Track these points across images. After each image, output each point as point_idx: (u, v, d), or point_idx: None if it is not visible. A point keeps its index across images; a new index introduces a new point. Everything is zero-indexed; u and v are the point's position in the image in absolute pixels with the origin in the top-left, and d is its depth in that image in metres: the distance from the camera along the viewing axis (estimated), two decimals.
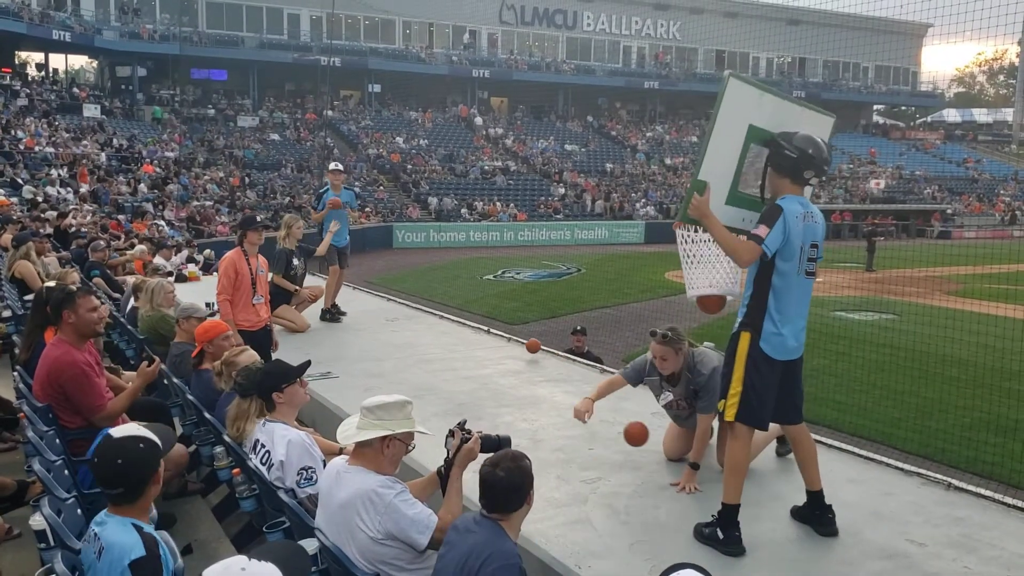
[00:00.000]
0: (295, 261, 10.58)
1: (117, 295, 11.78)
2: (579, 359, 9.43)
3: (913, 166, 59.77)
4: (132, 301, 9.25)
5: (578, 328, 12.11)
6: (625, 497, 5.19)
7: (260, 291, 8.48)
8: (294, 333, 10.31)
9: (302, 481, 4.40)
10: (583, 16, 59.45)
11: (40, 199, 22.60)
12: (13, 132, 31.81)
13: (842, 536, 4.62)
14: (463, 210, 43.43)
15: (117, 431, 3.32)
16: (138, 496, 3.21)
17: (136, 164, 34.54)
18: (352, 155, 46.18)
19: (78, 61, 53.29)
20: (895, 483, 5.44)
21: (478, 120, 54.65)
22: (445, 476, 3.99)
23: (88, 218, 20.57)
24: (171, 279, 12.05)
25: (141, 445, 3.21)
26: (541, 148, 52.63)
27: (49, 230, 16.67)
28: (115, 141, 36.81)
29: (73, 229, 17.71)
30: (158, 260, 14.76)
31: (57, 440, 4.83)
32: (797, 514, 4.81)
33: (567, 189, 47.92)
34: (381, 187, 44.14)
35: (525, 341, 9.69)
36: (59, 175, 28.45)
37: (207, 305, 8.25)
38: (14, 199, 22.26)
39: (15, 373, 6.33)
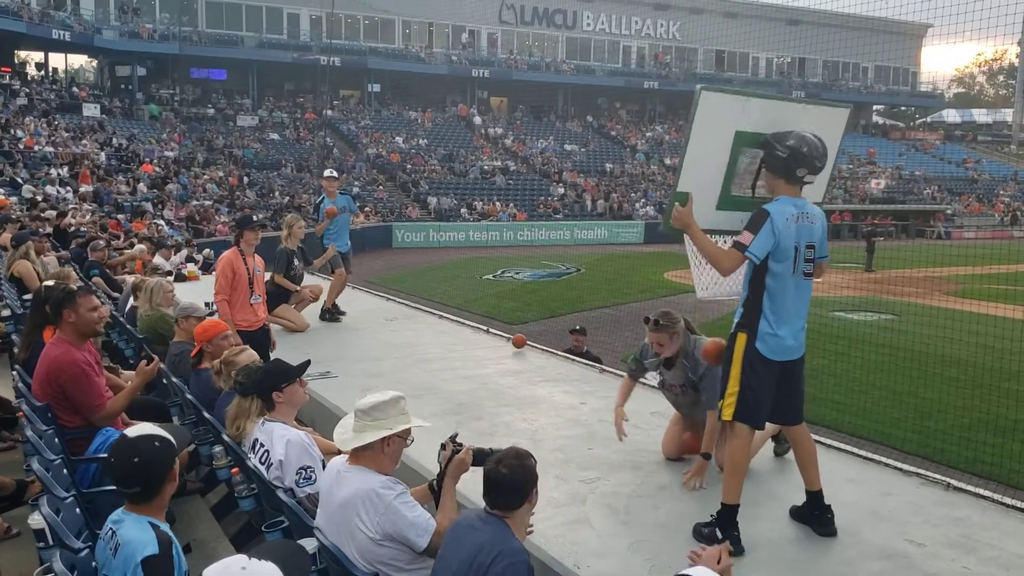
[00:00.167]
0: (295, 262, 10.59)
1: (116, 294, 11.77)
2: (578, 359, 9.43)
3: (913, 166, 59.76)
4: (131, 300, 9.24)
5: (576, 327, 12.10)
6: (624, 497, 5.19)
7: (257, 290, 8.48)
8: (293, 333, 10.31)
9: (301, 480, 4.40)
10: (583, 16, 59.43)
11: (40, 198, 22.58)
12: (13, 131, 31.78)
13: (841, 536, 4.62)
14: (463, 210, 43.43)
15: (132, 430, 3.36)
16: (155, 494, 3.24)
17: (135, 164, 34.53)
18: (352, 155, 46.18)
19: (78, 60, 53.23)
20: (894, 483, 5.44)
21: (477, 119, 54.64)
22: (438, 490, 3.99)
23: (87, 217, 20.56)
24: (170, 278, 12.05)
25: (157, 444, 3.24)
26: (541, 148, 52.62)
27: (48, 229, 16.66)
28: (115, 141, 36.80)
29: (72, 228, 17.70)
30: (157, 259, 14.77)
31: (56, 439, 4.82)
32: (796, 514, 4.81)
33: (567, 189, 47.92)
34: (380, 187, 44.13)
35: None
36: (58, 174, 28.44)
37: (206, 305, 8.25)
38: (13, 198, 22.26)
39: (14, 372, 6.33)
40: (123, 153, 35.47)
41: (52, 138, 33.37)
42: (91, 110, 40.63)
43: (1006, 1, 24.98)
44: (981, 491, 5.32)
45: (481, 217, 43.17)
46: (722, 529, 4.45)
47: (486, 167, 48.48)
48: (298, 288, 10.71)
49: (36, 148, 31.12)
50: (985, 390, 12.15)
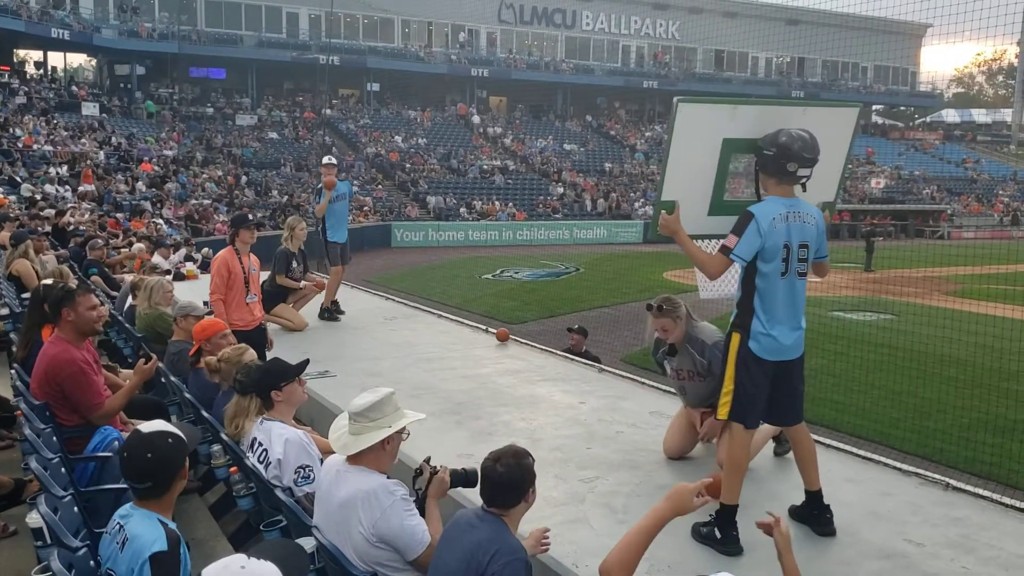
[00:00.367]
0: (295, 264, 10.58)
1: (115, 293, 11.76)
2: (577, 358, 9.42)
3: (912, 166, 59.81)
4: (130, 299, 9.24)
5: (576, 327, 12.08)
6: (623, 496, 5.18)
7: (253, 290, 8.46)
8: (292, 332, 10.30)
9: (299, 480, 4.40)
10: (582, 15, 59.43)
11: (38, 197, 22.58)
12: (11, 130, 31.78)
13: (840, 536, 4.62)
14: (462, 209, 43.43)
15: (146, 426, 3.38)
16: (165, 490, 3.25)
17: (135, 163, 34.53)
18: (351, 154, 46.17)
19: (77, 59, 53.22)
20: (893, 483, 5.43)
21: (475, 118, 54.65)
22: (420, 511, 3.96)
23: (86, 216, 20.56)
24: (169, 277, 12.03)
25: (169, 440, 3.26)
26: (540, 147, 52.62)
27: (47, 228, 16.65)
28: (114, 139, 36.79)
29: (71, 227, 17.69)
30: (156, 258, 14.75)
31: (54, 438, 4.82)
32: (795, 514, 4.80)
33: (566, 188, 47.92)
34: (380, 186, 44.13)
35: (522, 339, 9.71)
36: (57, 173, 28.44)
37: (204, 304, 8.23)
38: (12, 197, 22.26)
39: (12, 371, 6.33)
40: (122, 152, 35.46)
41: (51, 137, 33.37)
42: (90, 109, 40.61)
43: (1005, 1, 25.01)
44: (980, 491, 5.31)
45: (480, 216, 43.17)
46: (721, 529, 4.44)
47: (485, 166, 48.49)
48: (300, 286, 10.70)
49: (35, 147, 31.13)
50: (984, 390, 12.16)
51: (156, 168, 34.89)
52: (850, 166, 56.55)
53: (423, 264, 31.21)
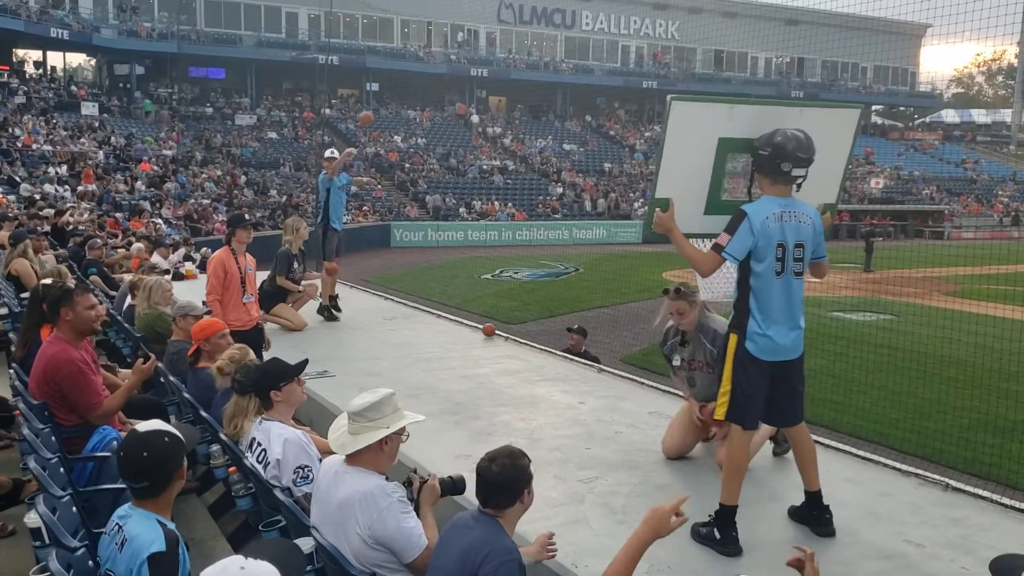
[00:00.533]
0: (295, 264, 10.58)
1: (114, 293, 11.75)
2: (577, 358, 9.41)
3: (911, 166, 59.82)
4: (129, 299, 9.23)
5: (574, 326, 12.08)
6: (622, 496, 5.18)
7: (250, 290, 8.46)
8: (291, 332, 10.30)
9: (298, 480, 4.39)
10: (581, 15, 59.43)
11: (38, 197, 22.58)
12: (11, 130, 31.76)
13: (839, 536, 4.61)
14: (461, 209, 43.42)
15: (143, 425, 3.38)
16: (162, 490, 3.24)
17: (134, 162, 34.52)
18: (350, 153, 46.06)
19: (76, 59, 53.20)
20: (893, 483, 5.43)
21: (475, 118, 54.65)
22: None
23: (85, 216, 20.55)
24: (168, 277, 12.02)
25: (166, 439, 3.25)
26: (539, 147, 52.62)
27: (46, 228, 16.65)
28: (113, 139, 36.77)
29: (70, 227, 17.68)
30: (155, 258, 14.74)
31: (53, 438, 4.81)
32: (795, 514, 4.80)
33: (565, 189, 47.92)
34: (379, 186, 44.12)
35: (522, 340, 9.71)
36: (56, 173, 28.43)
37: (203, 303, 8.22)
38: (11, 197, 22.26)
39: (11, 370, 6.32)
40: (121, 152, 35.44)
41: (50, 137, 33.36)
42: (89, 109, 40.59)
43: (1005, 1, 25.02)
44: (980, 491, 5.31)
45: (480, 216, 43.17)
46: (720, 529, 4.44)
47: (485, 166, 48.49)
48: (300, 288, 10.70)
49: (34, 147, 31.12)
50: (984, 390, 12.16)
51: (155, 168, 34.88)
52: (849, 166, 56.74)
53: (422, 264, 31.20)
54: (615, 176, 51.02)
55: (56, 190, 26.21)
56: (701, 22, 57.39)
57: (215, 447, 5.07)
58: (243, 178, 39.47)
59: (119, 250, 16.00)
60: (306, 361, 5.07)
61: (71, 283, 7.49)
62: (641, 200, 47.18)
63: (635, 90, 59.14)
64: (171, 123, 44.09)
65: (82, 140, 34.51)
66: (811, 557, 3.25)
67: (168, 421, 6.14)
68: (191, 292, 10.60)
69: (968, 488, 5.36)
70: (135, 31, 45.35)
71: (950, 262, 25.49)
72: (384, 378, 7.98)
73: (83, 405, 5.37)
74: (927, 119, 75.61)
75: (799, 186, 4.46)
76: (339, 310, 11.34)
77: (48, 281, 6.95)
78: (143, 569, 2.97)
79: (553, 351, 9.66)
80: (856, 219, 48.14)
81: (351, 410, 3.84)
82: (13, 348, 6.89)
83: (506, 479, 3.42)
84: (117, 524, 3.18)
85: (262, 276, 9.98)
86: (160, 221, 25.89)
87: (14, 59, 45.94)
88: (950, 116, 78.12)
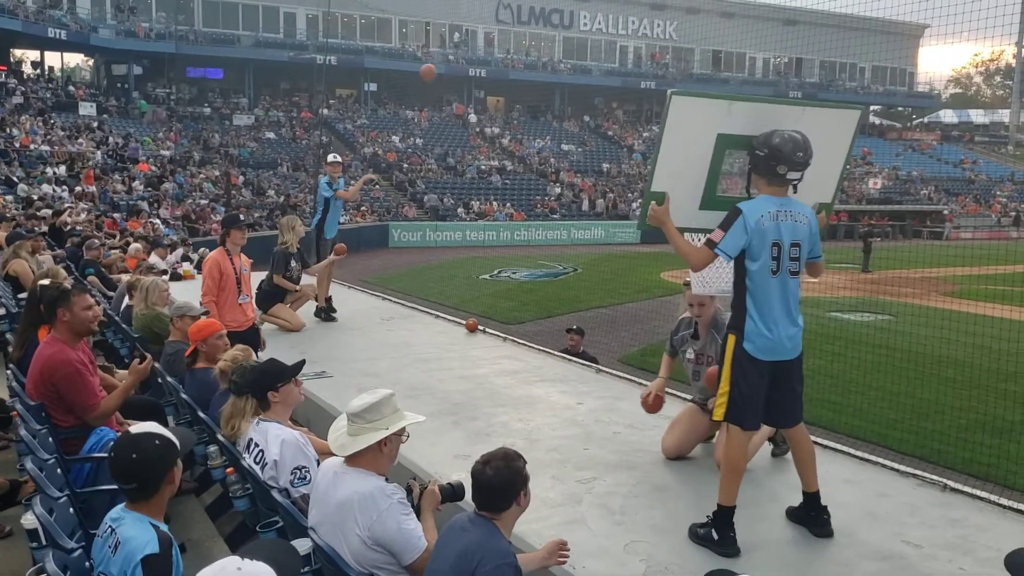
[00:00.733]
0: (292, 263, 10.55)
1: (111, 293, 11.74)
2: (575, 359, 9.41)
3: (909, 167, 59.85)
4: (126, 299, 9.21)
5: (573, 327, 12.09)
6: (620, 497, 5.17)
7: (245, 290, 8.45)
8: (289, 332, 10.28)
9: (296, 481, 4.38)
10: (579, 16, 59.46)
11: (35, 197, 22.56)
12: (8, 130, 31.75)
13: (837, 537, 4.61)
14: (459, 209, 43.41)
15: (136, 427, 3.38)
16: (152, 493, 3.23)
17: (132, 163, 34.50)
18: (348, 154, 46.13)
19: (74, 59, 53.23)
20: (891, 484, 5.43)
21: (472, 118, 54.65)
22: None
23: (83, 216, 20.53)
24: (165, 277, 12.01)
25: (157, 442, 3.24)
26: (537, 148, 52.63)
27: (44, 228, 16.62)
28: (110, 140, 36.74)
29: (68, 227, 17.65)
30: (153, 258, 14.72)
31: (50, 439, 4.80)
32: (792, 515, 4.79)
33: (563, 189, 47.93)
34: (377, 186, 44.10)
35: (520, 340, 9.72)
36: (54, 173, 28.41)
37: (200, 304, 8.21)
38: (9, 197, 22.24)
39: (8, 371, 6.31)
40: (118, 152, 35.41)
41: (48, 137, 33.34)
42: (87, 109, 40.58)
43: (1003, 2, 25.03)
44: (978, 492, 5.31)
45: (478, 217, 43.17)
46: (718, 530, 4.44)
47: (483, 167, 48.48)
48: (297, 288, 10.68)
49: (32, 147, 31.10)
50: (982, 391, 12.15)
51: (153, 168, 34.86)
52: (847, 166, 56.75)
53: (420, 264, 31.18)
54: (613, 176, 51.04)
55: (54, 190, 26.19)
56: (699, 22, 57.44)
57: (213, 448, 5.06)
58: (241, 178, 39.45)
59: (114, 251, 15.97)
60: (303, 362, 5.06)
61: (68, 283, 7.47)
62: (640, 200, 47.13)
63: (633, 90, 59.20)
64: (169, 123, 44.06)
65: (80, 140, 34.49)
66: None
67: (166, 422, 6.15)
68: (189, 292, 10.59)
69: (966, 488, 5.36)
70: (133, 31, 45.34)
71: (948, 262, 25.48)
72: (382, 379, 7.97)
73: (80, 406, 5.36)
74: (925, 119, 75.67)
75: (795, 187, 4.46)
76: (334, 310, 11.32)
77: (46, 282, 6.94)
78: (137, 571, 2.97)
79: (551, 351, 9.66)
80: (854, 219, 48.19)
81: (350, 411, 3.83)
82: (10, 349, 6.88)
83: (501, 482, 3.41)
84: (110, 527, 3.18)
85: (258, 276, 9.96)
86: (158, 221, 25.89)
87: (12, 59, 45.93)
88: (948, 116, 78.20)
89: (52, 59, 48.15)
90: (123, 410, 5.77)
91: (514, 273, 28.66)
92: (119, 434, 4.39)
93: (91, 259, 13.28)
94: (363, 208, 39.89)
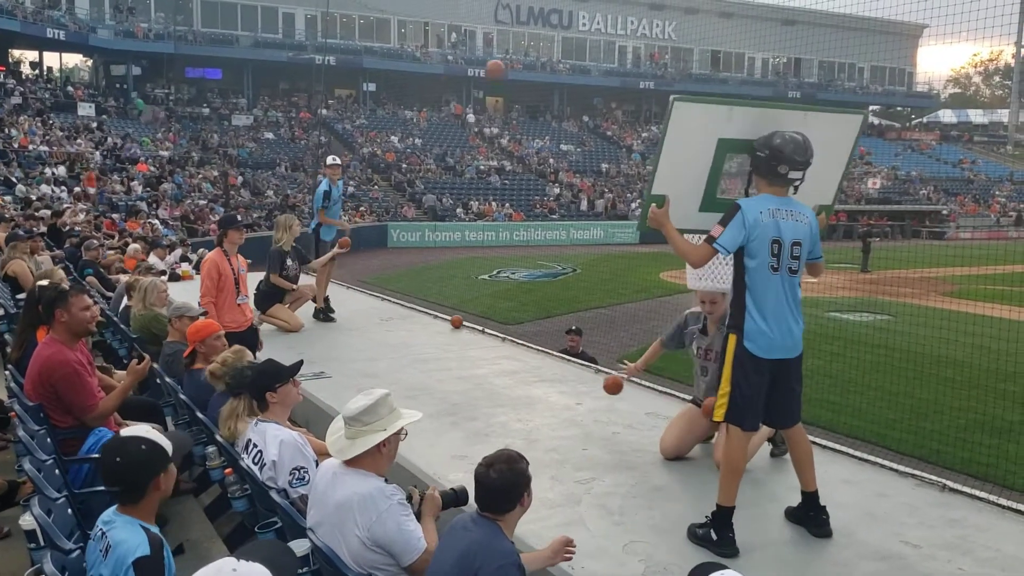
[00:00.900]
0: (288, 262, 10.53)
1: (110, 294, 11.73)
2: (574, 359, 9.41)
3: (908, 167, 59.89)
4: (125, 300, 9.21)
5: (572, 328, 12.09)
6: (619, 498, 5.17)
7: (243, 291, 8.44)
8: (287, 332, 10.27)
9: (294, 481, 4.37)
10: (578, 16, 59.47)
11: (34, 198, 22.55)
12: (7, 130, 31.72)
13: (836, 537, 4.61)
14: (458, 210, 43.41)
15: (128, 430, 3.38)
16: (139, 497, 3.22)
17: (131, 163, 34.48)
18: (347, 154, 46.15)
19: (72, 60, 53.21)
20: (890, 484, 5.43)
21: (471, 118, 54.65)
22: None
23: (82, 217, 20.52)
24: (164, 278, 12.01)
25: (143, 447, 3.23)
26: (536, 148, 52.65)
27: (43, 229, 16.62)
28: (109, 140, 36.72)
29: (67, 228, 17.65)
30: (152, 259, 14.71)
31: (48, 439, 4.80)
32: (791, 515, 4.79)
33: (562, 189, 47.93)
34: (376, 186, 44.11)
35: (519, 340, 9.72)
36: (53, 174, 28.39)
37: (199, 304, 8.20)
38: (7, 197, 22.23)
39: (7, 372, 6.30)
40: (118, 152, 35.40)
41: (47, 137, 33.31)
42: (86, 109, 40.54)
43: (1002, 2, 25.04)
44: (977, 492, 5.31)
45: (477, 217, 43.17)
46: (717, 530, 4.43)
47: (482, 167, 48.48)
48: (295, 287, 10.67)
49: (31, 147, 31.07)
50: (981, 391, 12.14)
51: (152, 168, 34.84)
52: (849, 170, 56.71)
53: (419, 264, 31.17)
54: (612, 176, 51.04)
55: (53, 191, 26.18)
56: (698, 22, 57.48)
57: (211, 448, 5.05)
58: (240, 179, 39.44)
59: (112, 252, 15.97)
60: (301, 362, 5.05)
61: (66, 284, 7.47)
62: (639, 200, 47.18)
63: (632, 90, 59.24)
64: (167, 124, 44.05)
65: (78, 141, 34.47)
66: None
67: (164, 422, 6.15)
68: (187, 293, 10.59)
69: (965, 489, 5.35)
70: (131, 32, 45.32)
71: (947, 262, 25.47)
72: (381, 379, 7.96)
73: (78, 407, 5.35)
74: (924, 119, 75.73)
75: (796, 188, 4.46)
76: (333, 311, 11.30)
77: (44, 282, 6.94)
78: (129, 574, 2.97)
79: (550, 352, 9.66)
80: (853, 219, 48.17)
81: (346, 414, 3.81)
82: (9, 349, 6.87)
83: (504, 484, 3.41)
84: (101, 530, 3.17)
85: (256, 277, 9.95)
86: (156, 222, 25.86)
87: (10, 59, 45.88)
88: (947, 116, 78.19)
89: (51, 59, 48.18)
90: (122, 411, 5.77)
91: (513, 273, 28.66)
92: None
93: (90, 259, 13.28)
94: (362, 208, 39.87)
